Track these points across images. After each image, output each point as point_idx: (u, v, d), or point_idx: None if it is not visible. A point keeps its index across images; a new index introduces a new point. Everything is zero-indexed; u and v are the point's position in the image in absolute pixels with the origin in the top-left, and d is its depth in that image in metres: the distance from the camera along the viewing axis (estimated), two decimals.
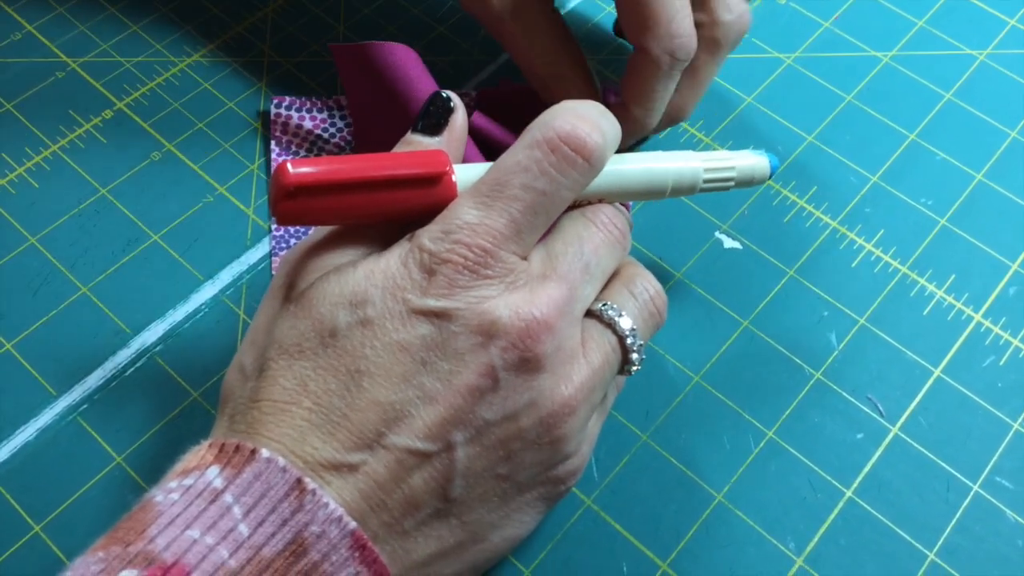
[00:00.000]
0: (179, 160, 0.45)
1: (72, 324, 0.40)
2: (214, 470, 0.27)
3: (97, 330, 0.40)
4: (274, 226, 0.43)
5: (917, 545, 0.36)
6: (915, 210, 0.45)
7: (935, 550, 0.36)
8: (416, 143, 0.33)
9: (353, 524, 0.27)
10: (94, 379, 0.39)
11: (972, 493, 0.37)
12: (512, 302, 0.29)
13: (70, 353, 0.40)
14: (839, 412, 0.39)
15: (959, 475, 0.38)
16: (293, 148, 0.45)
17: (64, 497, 0.36)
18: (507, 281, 0.30)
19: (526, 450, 0.30)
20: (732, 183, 0.36)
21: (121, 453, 0.38)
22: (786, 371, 0.40)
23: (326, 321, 0.29)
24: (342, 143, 0.45)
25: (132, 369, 0.39)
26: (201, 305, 0.41)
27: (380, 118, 0.43)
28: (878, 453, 0.38)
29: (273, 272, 0.42)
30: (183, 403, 0.39)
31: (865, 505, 0.37)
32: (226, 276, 0.42)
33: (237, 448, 0.27)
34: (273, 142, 0.45)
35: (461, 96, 0.45)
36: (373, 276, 0.29)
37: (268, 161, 0.45)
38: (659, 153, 0.35)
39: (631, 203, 0.43)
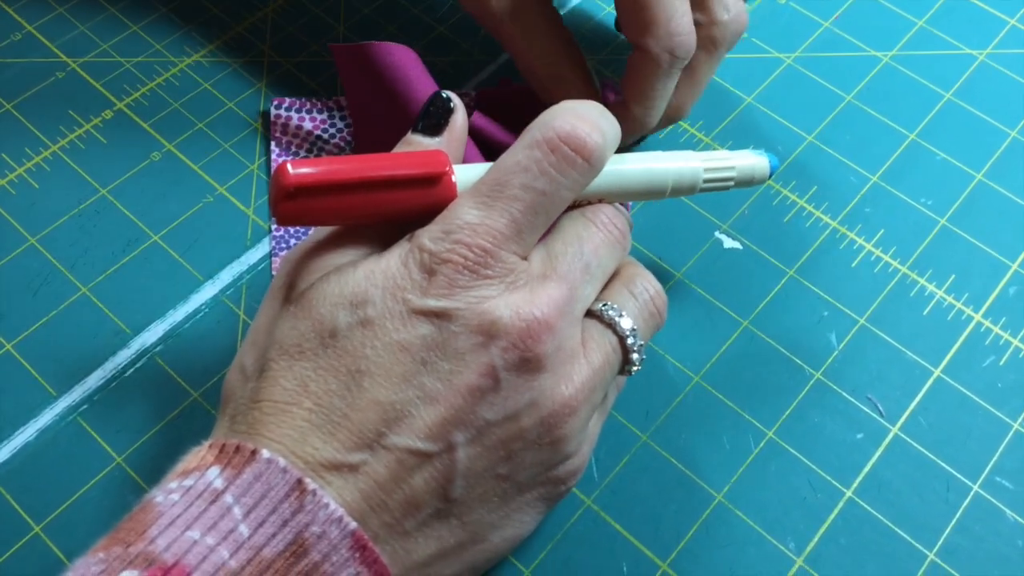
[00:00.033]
0: (179, 160, 0.45)
1: (72, 324, 0.40)
2: (214, 471, 0.27)
3: (97, 330, 0.40)
4: (274, 226, 0.43)
5: (917, 545, 0.36)
6: (915, 210, 0.45)
7: (935, 550, 0.36)
8: (416, 143, 0.33)
9: (354, 524, 0.27)
10: (94, 379, 0.39)
11: (972, 493, 0.37)
12: (513, 302, 0.29)
13: (70, 353, 0.40)
14: (839, 412, 0.39)
15: (959, 475, 0.38)
16: (293, 149, 0.45)
17: (64, 497, 0.36)
18: (507, 281, 0.30)
19: (527, 450, 0.30)
20: (732, 183, 0.36)
21: (121, 453, 0.38)
22: (786, 371, 0.40)
23: (326, 321, 0.29)
24: (342, 143, 0.45)
25: (132, 369, 0.39)
26: (201, 305, 0.41)
27: (380, 118, 0.43)
28: (878, 453, 0.38)
29: (273, 272, 0.42)
30: (183, 403, 0.39)
31: (865, 505, 0.37)
32: (226, 276, 0.42)
33: (237, 449, 0.27)
34: (273, 143, 0.45)
35: (461, 96, 0.45)
36: (373, 276, 0.29)
37: (268, 161, 0.45)
38: (659, 153, 0.35)
39: (630, 203, 0.43)
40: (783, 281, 0.43)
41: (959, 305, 0.42)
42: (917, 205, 0.45)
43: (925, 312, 0.42)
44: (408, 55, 0.41)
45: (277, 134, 0.45)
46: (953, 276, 0.43)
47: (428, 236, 0.30)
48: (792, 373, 0.40)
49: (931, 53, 0.50)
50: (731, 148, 0.46)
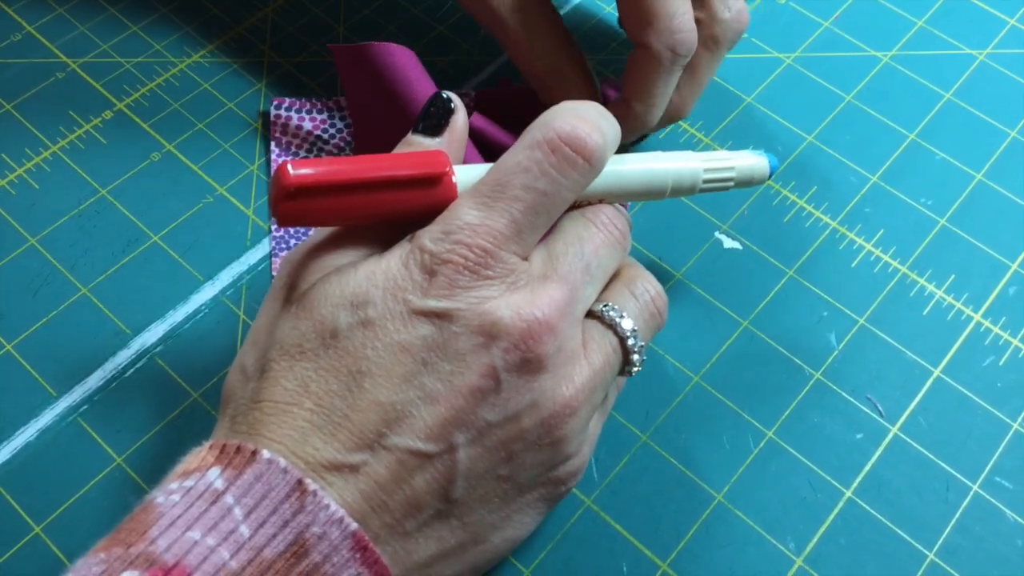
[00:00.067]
0: (179, 161, 0.45)
1: (72, 325, 0.40)
2: (215, 471, 0.27)
3: (97, 331, 0.40)
4: (274, 227, 0.43)
5: (917, 545, 0.36)
6: (915, 210, 0.45)
7: (935, 550, 0.36)
8: (417, 144, 0.33)
9: (354, 525, 0.27)
10: (94, 380, 0.39)
11: (972, 493, 0.37)
12: (513, 303, 0.29)
13: (70, 354, 0.40)
14: (839, 412, 0.39)
15: (959, 475, 0.38)
16: (293, 149, 0.45)
17: (64, 498, 0.36)
18: (508, 282, 0.30)
19: (527, 451, 0.30)
20: (732, 183, 0.36)
21: (121, 454, 0.38)
22: (786, 371, 0.40)
23: (327, 322, 0.29)
24: (342, 143, 0.45)
25: (132, 370, 0.40)
26: (201, 306, 0.41)
27: (380, 119, 0.43)
28: (878, 453, 0.38)
29: (273, 273, 0.42)
30: (183, 404, 0.39)
31: (865, 505, 0.37)
32: (226, 277, 0.42)
33: (238, 449, 0.27)
34: (273, 143, 0.45)
35: (460, 96, 0.45)
36: (374, 277, 0.29)
37: (268, 162, 0.45)
38: (659, 153, 0.35)
39: (628, 203, 0.43)
40: (783, 281, 0.43)
41: (959, 305, 0.42)
42: (917, 205, 0.45)
43: (925, 312, 0.42)
44: (407, 55, 0.41)
45: (277, 134, 0.45)
46: (953, 276, 0.43)
47: (429, 237, 0.30)
48: (792, 373, 0.40)
49: (931, 53, 0.50)
50: (731, 148, 0.47)
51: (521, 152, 0.31)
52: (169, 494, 0.27)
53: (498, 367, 0.29)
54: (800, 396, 0.40)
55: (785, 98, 0.48)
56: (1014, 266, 0.43)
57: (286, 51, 0.49)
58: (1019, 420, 0.39)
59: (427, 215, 0.31)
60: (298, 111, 0.45)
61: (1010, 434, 0.39)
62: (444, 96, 0.33)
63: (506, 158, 0.31)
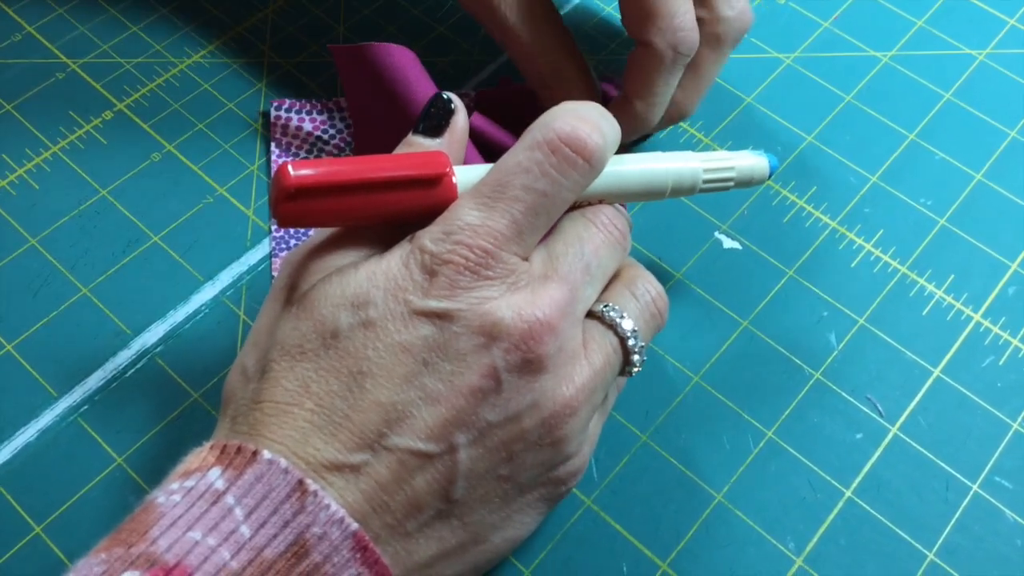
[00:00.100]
0: (179, 161, 0.45)
1: (72, 325, 0.40)
2: (216, 472, 0.27)
3: (97, 331, 0.40)
4: (274, 227, 0.43)
5: (916, 545, 0.36)
6: (914, 210, 0.45)
7: (934, 550, 0.36)
8: (417, 144, 0.33)
9: (355, 525, 0.27)
10: (94, 380, 0.39)
11: (971, 493, 0.38)
12: (514, 303, 0.29)
13: (71, 354, 0.40)
14: (838, 412, 0.39)
15: (958, 475, 0.38)
16: (293, 150, 0.45)
17: (65, 498, 0.37)
18: (508, 282, 0.30)
19: (528, 451, 0.30)
20: (731, 183, 0.36)
21: (122, 454, 0.38)
22: (785, 371, 0.40)
23: (328, 322, 0.29)
24: (342, 144, 0.45)
25: (133, 370, 0.40)
26: (201, 306, 0.41)
27: (380, 119, 0.43)
28: (877, 453, 0.38)
29: (274, 273, 0.42)
30: (184, 404, 0.39)
31: (864, 505, 0.37)
32: (226, 277, 0.42)
33: (239, 449, 0.27)
34: (273, 144, 0.45)
35: (460, 96, 0.45)
36: (375, 277, 0.29)
37: (268, 162, 0.45)
38: (659, 154, 0.35)
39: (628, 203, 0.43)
40: (783, 281, 0.43)
41: (958, 305, 0.42)
42: (916, 205, 0.45)
43: (924, 312, 0.42)
44: (407, 56, 0.41)
45: (277, 135, 0.45)
46: (952, 276, 0.43)
47: (429, 237, 0.30)
48: (792, 373, 0.40)
49: (930, 53, 0.50)
50: (731, 148, 0.47)
51: (521, 152, 0.31)
52: (170, 494, 0.27)
53: (499, 367, 0.29)
54: (800, 396, 0.40)
55: (785, 98, 0.48)
56: (1014, 266, 0.43)
57: (286, 51, 0.49)
58: (1019, 420, 0.39)
59: (427, 216, 0.31)
60: (298, 112, 0.45)
61: (1010, 434, 0.39)
62: (444, 97, 0.33)
63: (506, 158, 0.31)
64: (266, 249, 0.43)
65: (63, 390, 0.39)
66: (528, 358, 0.29)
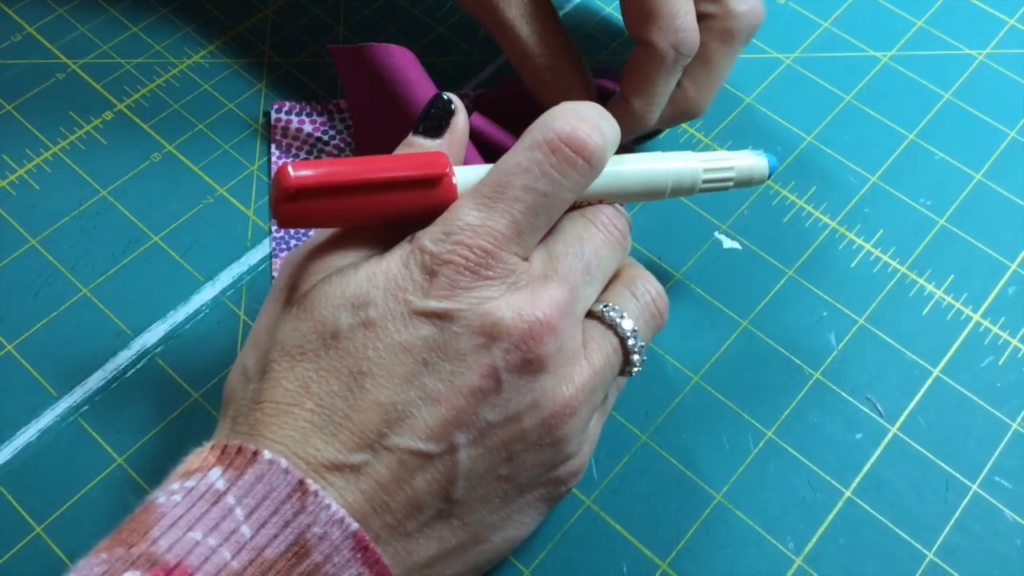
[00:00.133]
0: (179, 161, 0.45)
1: (73, 325, 0.40)
2: (216, 472, 0.27)
3: (98, 331, 0.40)
4: (274, 227, 0.43)
5: (916, 545, 0.36)
6: (914, 210, 0.45)
7: (934, 549, 0.36)
8: (417, 145, 0.33)
9: (355, 525, 0.27)
10: (95, 380, 0.39)
11: (971, 493, 0.38)
12: (514, 303, 0.29)
13: (71, 354, 0.40)
14: (838, 412, 0.39)
15: (958, 475, 0.38)
16: (293, 151, 0.45)
17: (65, 498, 0.37)
18: (508, 282, 0.30)
19: (528, 451, 0.30)
20: (731, 183, 0.36)
21: (122, 454, 0.38)
22: (785, 371, 0.40)
23: (328, 323, 0.29)
24: (342, 144, 0.45)
25: (133, 370, 0.40)
26: (202, 306, 0.41)
27: (380, 120, 0.43)
28: (877, 453, 0.38)
29: (274, 274, 0.42)
30: (184, 404, 0.39)
31: (864, 505, 0.37)
32: (226, 277, 0.42)
33: (239, 450, 0.27)
34: (273, 146, 0.45)
35: (460, 97, 0.45)
36: (375, 278, 0.29)
37: (268, 163, 0.45)
38: (658, 154, 0.35)
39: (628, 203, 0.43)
40: (782, 281, 0.43)
41: (958, 305, 0.42)
42: (916, 205, 0.45)
43: (924, 312, 0.42)
44: (407, 56, 0.41)
45: (277, 137, 0.45)
46: (952, 276, 0.43)
47: (429, 237, 0.30)
48: (791, 373, 0.40)
49: (930, 53, 0.50)
50: (730, 148, 0.47)
51: (521, 153, 0.31)
52: (170, 494, 0.27)
53: (499, 367, 0.29)
54: (800, 396, 0.40)
55: (785, 98, 0.48)
56: (1013, 266, 0.43)
57: (286, 52, 0.49)
58: (1018, 420, 0.39)
59: (427, 216, 0.31)
60: (298, 114, 0.45)
61: (1009, 434, 0.39)
62: (444, 97, 0.33)
63: (506, 159, 0.31)
64: (266, 249, 0.43)
65: (63, 390, 0.39)
66: (528, 358, 0.29)
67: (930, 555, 0.36)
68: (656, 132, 0.45)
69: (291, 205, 0.30)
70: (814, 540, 0.36)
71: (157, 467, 0.37)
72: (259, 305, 0.41)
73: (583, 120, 0.31)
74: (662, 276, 0.42)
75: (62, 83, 0.48)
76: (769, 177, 0.37)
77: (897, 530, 0.37)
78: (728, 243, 0.44)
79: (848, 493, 0.37)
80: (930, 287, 0.43)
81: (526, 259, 0.31)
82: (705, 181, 0.35)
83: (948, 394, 0.40)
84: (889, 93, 0.49)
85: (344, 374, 0.28)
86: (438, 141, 0.33)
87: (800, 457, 0.38)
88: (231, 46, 0.49)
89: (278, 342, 0.30)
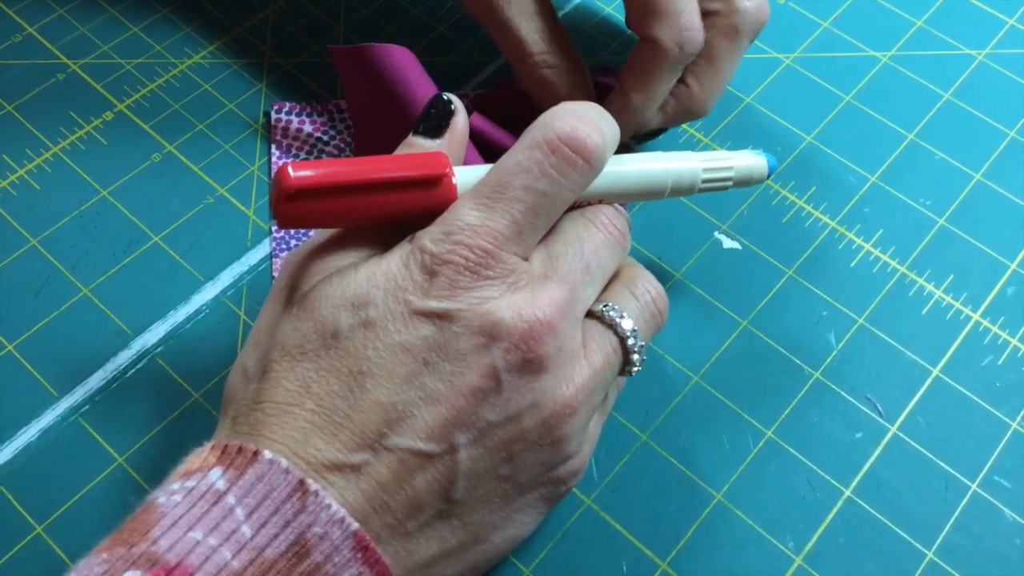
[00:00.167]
0: (180, 161, 0.45)
1: (73, 325, 0.40)
2: (217, 472, 0.27)
3: (98, 331, 0.40)
4: (275, 227, 0.43)
5: (916, 544, 0.36)
6: (914, 210, 0.45)
7: (934, 549, 0.36)
8: (417, 146, 0.33)
9: (356, 525, 0.27)
10: (95, 380, 0.39)
11: (971, 492, 0.38)
12: (514, 303, 0.29)
13: (71, 354, 0.40)
14: (838, 412, 0.39)
15: (958, 474, 0.38)
16: (293, 151, 0.45)
17: (66, 498, 0.37)
18: (508, 282, 0.30)
19: (528, 451, 0.30)
20: (730, 183, 0.36)
21: (123, 454, 0.38)
22: (785, 371, 0.40)
23: (328, 323, 0.29)
24: (342, 145, 0.45)
25: (133, 370, 0.40)
26: (202, 306, 0.41)
27: (380, 120, 0.43)
28: (877, 452, 0.38)
29: (274, 274, 0.42)
30: (184, 404, 0.39)
31: (864, 504, 0.37)
32: (227, 277, 0.42)
33: (240, 450, 0.27)
34: (273, 146, 0.45)
35: (460, 98, 0.45)
36: (375, 278, 0.29)
37: (269, 163, 0.45)
38: (658, 154, 0.35)
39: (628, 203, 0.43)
40: (782, 281, 0.43)
41: (958, 305, 0.42)
42: (916, 205, 0.45)
43: (924, 312, 0.42)
44: (407, 56, 0.41)
45: (277, 137, 0.45)
46: (952, 276, 0.43)
47: (429, 237, 0.30)
48: (791, 373, 0.40)
49: (930, 53, 0.50)
50: (730, 148, 0.47)
51: (521, 153, 0.31)
52: (171, 494, 0.27)
53: (499, 367, 0.29)
54: (799, 396, 0.40)
55: (784, 98, 0.48)
56: (1013, 266, 0.43)
57: (286, 52, 0.49)
58: (1018, 419, 0.39)
59: (427, 216, 0.31)
60: (298, 115, 0.45)
61: (1009, 433, 0.39)
62: (444, 98, 0.33)
63: (506, 159, 0.31)
64: (266, 249, 0.43)
65: (64, 390, 0.39)
66: (528, 358, 0.29)
67: (930, 554, 0.36)
68: (658, 131, 0.45)
69: (291, 205, 0.30)
70: (814, 539, 0.36)
71: (157, 467, 0.37)
72: (259, 305, 0.41)
73: (583, 120, 0.31)
74: (662, 276, 0.42)
75: (62, 83, 0.48)
76: (768, 177, 0.37)
77: (897, 529, 0.37)
78: (728, 243, 0.44)
79: (848, 492, 0.38)
80: (930, 287, 0.43)
81: (526, 259, 0.31)
82: (705, 181, 0.35)
83: (948, 394, 0.40)
84: (889, 93, 0.49)
85: (344, 374, 0.28)
86: (438, 141, 0.33)
87: (800, 457, 0.38)
88: (231, 46, 0.49)
89: (278, 342, 0.30)
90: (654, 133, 0.45)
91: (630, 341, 0.32)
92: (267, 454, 0.27)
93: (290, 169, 0.29)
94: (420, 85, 0.40)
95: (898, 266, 0.43)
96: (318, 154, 0.45)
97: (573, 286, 0.31)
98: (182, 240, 0.43)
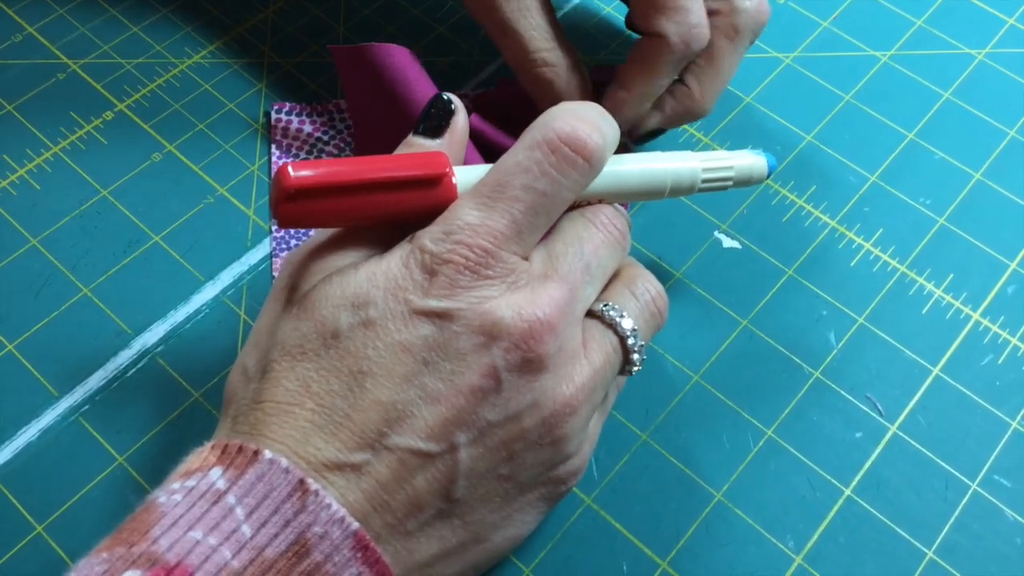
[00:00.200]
0: (180, 161, 0.45)
1: (73, 325, 0.41)
2: (217, 471, 0.27)
3: (98, 331, 0.40)
4: (275, 227, 0.43)
5: (916, 543, 0.36)
6: (914, 209, 0.45)
7: (934, 548, 0.36)
8: (417, 145, 0.33)
9: (356, 525, 0.27)
10: (96, 380, 0.39)
11: (971, 491, 0.38)
12: (514, 302, 0.29)
13: (72, 354, 0.40)
14: (838, 411, 0.39)
15: (958, 473, 0.38)
16: (293, 151, 0.45)
17: (66, 497, 0.37)
18: (508, 281, 0.30)
19: (528, 450, 0.30)
20: (730, 183, 0.36)
21: (123, 454, 0.38)
22: (785, 370, 0.40)
23: (328, 323, 0.29)
24: (342, 144, 0.45)
25: (133, 370, 0.40)
26: (202, 306, 0.41)
27: (380, 120, 0.43)
28: (877, 452, 0.38)
29: (274, 273, 0.42)
30: (184, 404, 0.39)
31: (864, 504, 0.37)
32: (227, 277, 0.42)
33: (240, 449, 0.27)
34: (273, 146, 0.45)
35: (460, 98, 0.45)
36: (375, 277, 0.29)
37: (269, 163, 0.45)
38: (658, 153, 0.35)
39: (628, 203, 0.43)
40: (782, 280, 0.43)
41: (958, 304, 0.42)
42: (916, 204, 0.45)
43: (924, 311, 0.42)
44: (407, 56, 0.41)
45: (277, 137, 0.45)
46: (952, 275, 0.43)
47: (429, 237, 0.30)
48: (791, 372, 0.40)
49: (930, 53, 0.50)
50: (730, 148, 0.47)
51: (521, 152, 0.31)
52: (171, 494, 0.27)
53: (499, 367, 0.29)
54: (799, 395, 0.40)
55: (784, 98, 0.48)
56: (1013, 265, 0.43)
57: (286, 52, 0.49)
58: (1018, 419, 0.39)
59: (427, 216, 0.31)
60: (298, 115, 0.45)
61: (1009, 432, 0.39)
62: (444, 98, 0.34)
63: (506, 158, 0.31)
64: (267, 249, 0.43)
65: (64, 390, 0.39)
66: (528, 357, 0.29)
67: (930, 553, 0.36)
68: (658, 132, 0.45)
69: (291, 205, 0.30)
70: (814, 539, 0.36)
71: (157, 467, 0.37)
72: (259, 305, 0.41)
73: (583, 120, 0.31)
74: (662, 275, 0.42)
75: (63, 83, 0.48)
76: (768, 176, 0.37)
77: (897, 529, 0.37)
78: (728, 242, 0.44)
79: (848, 492, 0.38)
80: (930, 286, 0.43)
81: (526, 258, 0.31)
82: (704, 181, 0.35)
83: (948, 393, 0.40)
84: (889, 93, 0.49)
85: (344, 373, 0.28)
86: (438, 141, 0.33)
87: (800, 456, 0.38)
88: (231, 46, 0.49)
89: (278, 342, 0.30)
90: (654, 133, 0.45)
91: (630, 340, 0.32)
92: (267, 454, 0.27)
93: (290, 169, 0.29)
94: (420, 85, 0.40)
95: (898, 265, 0.43)
96: (318, 154, 0.45)
97: (573, 286, 0.31)
98: (182, 240, 0.43)
